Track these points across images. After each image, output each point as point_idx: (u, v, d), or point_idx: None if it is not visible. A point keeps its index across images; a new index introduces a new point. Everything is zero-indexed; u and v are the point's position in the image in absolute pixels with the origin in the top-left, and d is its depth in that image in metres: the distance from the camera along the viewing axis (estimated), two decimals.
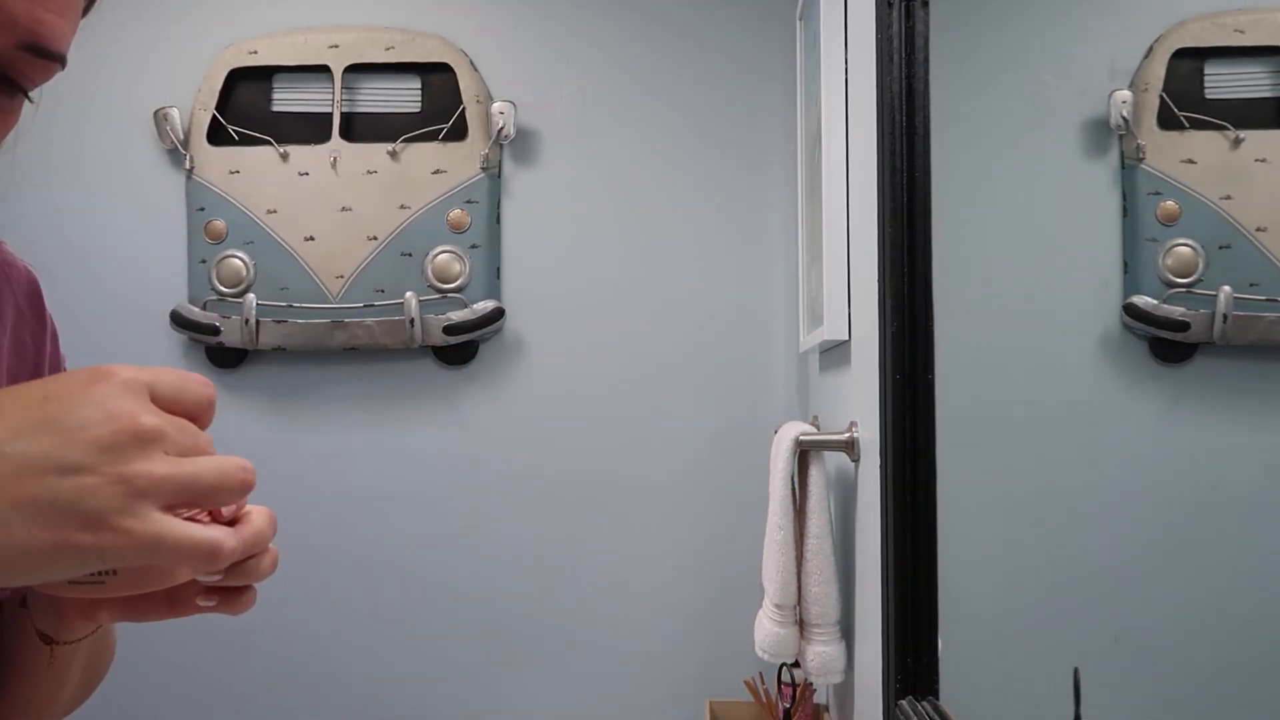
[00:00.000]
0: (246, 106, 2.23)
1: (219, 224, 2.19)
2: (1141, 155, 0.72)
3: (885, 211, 1.14)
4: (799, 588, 1.48)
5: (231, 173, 2.20)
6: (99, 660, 0.66)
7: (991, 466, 1.00)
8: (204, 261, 2.20)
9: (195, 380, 0.45)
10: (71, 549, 0.39)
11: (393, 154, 2.19)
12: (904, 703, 1.08)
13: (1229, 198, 0.63)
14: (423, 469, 2.24)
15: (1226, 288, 0.63)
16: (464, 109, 2.20)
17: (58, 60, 0.51)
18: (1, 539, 0.38)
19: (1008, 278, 0.95)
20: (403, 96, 2.23)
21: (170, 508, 0.41)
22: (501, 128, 2.16)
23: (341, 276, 2.18)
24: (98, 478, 0.39)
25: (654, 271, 2.24)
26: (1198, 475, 0.66)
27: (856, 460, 1.41)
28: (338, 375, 2.25)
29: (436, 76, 2.23)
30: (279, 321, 2.17)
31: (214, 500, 0.43)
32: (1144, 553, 0.72)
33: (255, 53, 2.21)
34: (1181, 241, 0.67)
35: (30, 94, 0.53)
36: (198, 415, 0.45)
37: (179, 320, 2.17)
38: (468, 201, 2.20)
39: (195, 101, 2.22)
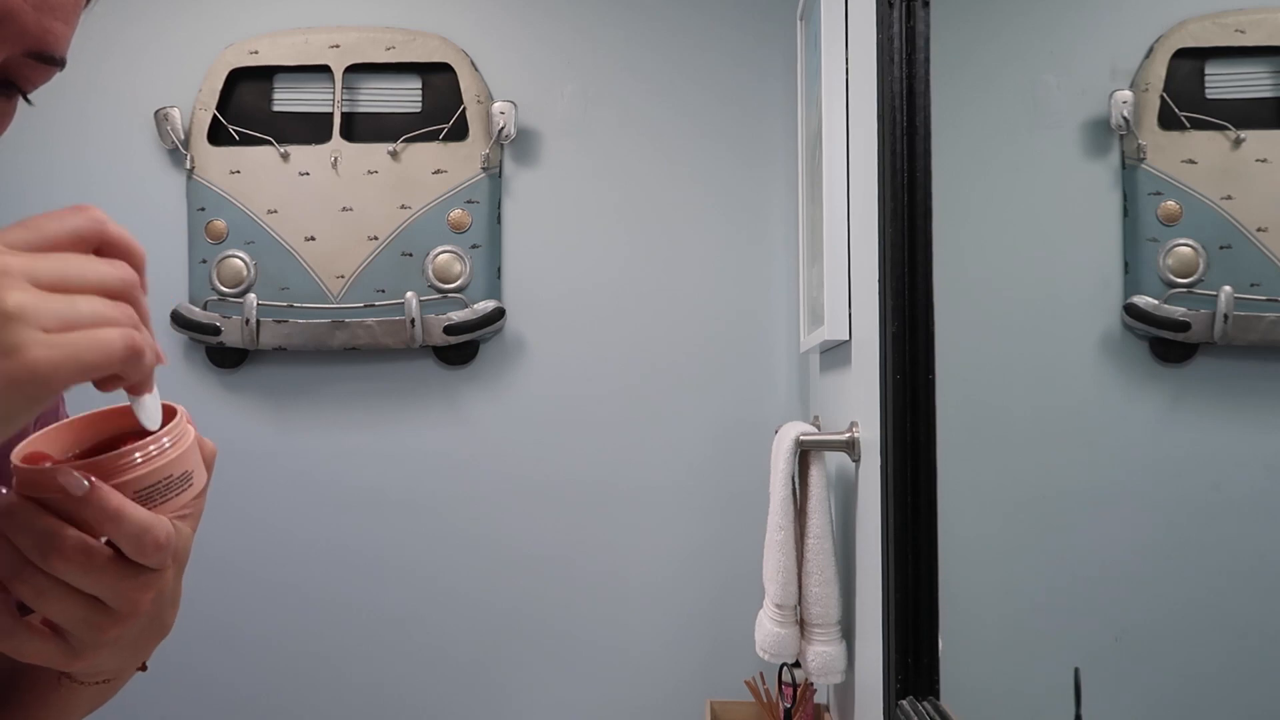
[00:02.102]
0: (247, 106, 2.23)
1: (220, 224, 2.19)
2: (1142, 155, 0.72)
3: (886, 211, 1.14)
4: (800, 588, 1.48)
5: (232, 173, 2.20)
6: (109, 690, 0.65)
7: (992, 466, 1.00)
8: (204, 261, 2.20)
9: (55, 215, 0.45)
10: None
11: (393, 154, 2.19)
12: (905, 703, 1.08)
13: (1230, 198, 0.63)
14: (423, 469, 2.24)
15: (1227, 288, 0.63)
16: (465, 109, 2.20)
17: (59, 64, 0.52)
18: None
19: (1008, 278, 0.95)
20: (403, 96, 2.23)
21: (55, 328, 0.42)
22: (502, 128, 2.16)
23: (342, 276, 2.18)
24: None
25: (655, 271, 2.24)
26: (1198, 475, 0.66)
27: (857, 460, 1.41)
28: (338, 375, 2.25)
29: (437, 76, 2.23)
30: (279, 321, 2.17)
31: (90, 284, 0.43)
32: (1144, 553, 0.72)
33: (256, 53, 2.21)
34: (1182, 241, 0.67)
35: (28, 95, 0.53)
36: (72, 245, 0.45)
37: (179, 320, 2.17)
38: (468, 201, 2.20)
39: (196, 101, 2.22)
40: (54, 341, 0.41)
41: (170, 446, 0.48)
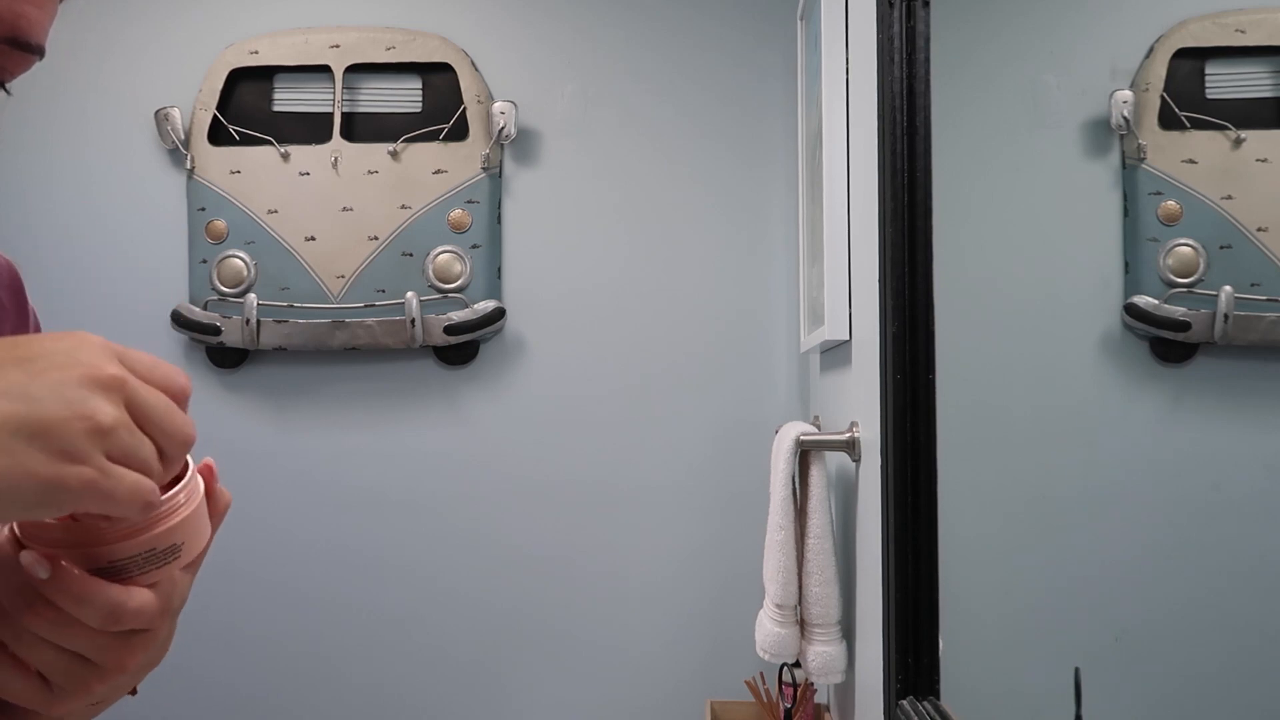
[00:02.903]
0: (247, 106, 2.23)
1: (220, 224, 2.19)
2: (1142, 155, 0.72)
3: (886, 211, 1.14)
4: (800, 588, 1.48)
5: (232, 173, 2.20)
6: (99, 710, 0.64)
7: (992, 466, 1.00)
8: (205, 261, 2.20)
9: (170, 366, 0.46)
10: (29, 480, 0.40)
11: (394, 154, 2.19)
12: (905, 703, 1.08)
13: (1230, 198, 0.63)
14: (423, 469, 2.24)
15: (1227, 288, 0.63)
16: (465, 109, 2.20)
17: (37, 52, 0.52)
18: None
19: (1008, 278, 0.95)
20: (404, 96, 2.23)
21: (116, 459, 0.42)
22: (502, 128, 2.16)
23: (342, 276, 2.18)
24: (62, 412, 0.40)
25: (655, 271, 2.24)
26: (1199, 475, 0.66)
27: (857, 460, 1.41)
28: (338, 375, 2.25)
29: (437, 76, 2.23)
30: (280, 321, 2.17)
31: (164, 444, 0.44)
32: (1144, 553, 0.72)
33: (256, 53, 2.21)
34: (1182, 241, 0.67)
35: (8, 86, 0.53)
36: (168, 394, 0.46)
37: (180, 320, 2.17)
38: (469, 201, 2.20)
39: (196, 101, 2.22)
40: (106, 469, 0.41)
41: (165, 515, 0.46)
